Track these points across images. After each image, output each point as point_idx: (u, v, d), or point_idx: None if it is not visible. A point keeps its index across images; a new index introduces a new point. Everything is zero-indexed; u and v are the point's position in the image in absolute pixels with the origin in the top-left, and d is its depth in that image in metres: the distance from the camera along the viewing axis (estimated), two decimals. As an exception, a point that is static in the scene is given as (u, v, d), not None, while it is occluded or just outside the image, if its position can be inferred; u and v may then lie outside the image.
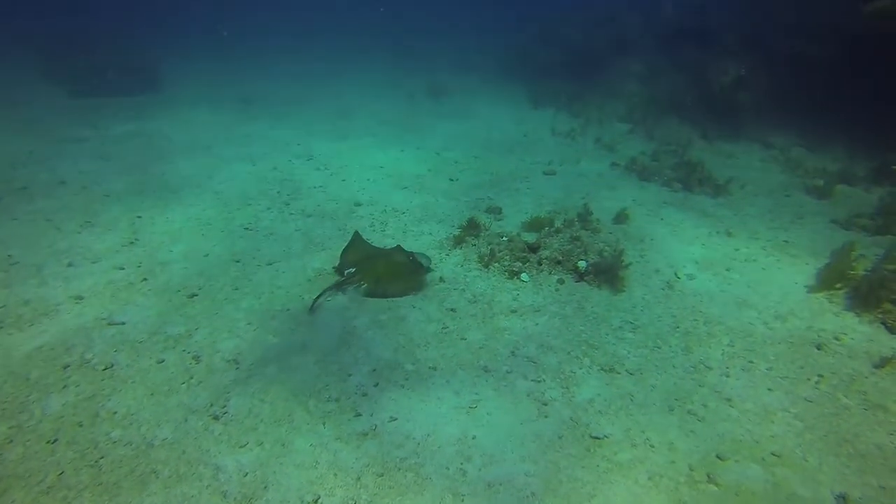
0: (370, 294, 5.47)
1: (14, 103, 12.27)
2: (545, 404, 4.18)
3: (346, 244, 6.16)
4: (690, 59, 13.84)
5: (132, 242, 6.24)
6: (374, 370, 4.45)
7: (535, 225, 6.95)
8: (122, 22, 22.12)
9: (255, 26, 26.12)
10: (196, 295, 5.33)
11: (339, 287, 5.52)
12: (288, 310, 5.23)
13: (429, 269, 5.90)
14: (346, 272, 5.66)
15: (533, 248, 6.23)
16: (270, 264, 6.07)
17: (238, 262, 6.07)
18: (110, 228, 6.51)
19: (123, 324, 4.78)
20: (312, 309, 5.18)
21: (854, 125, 10.49)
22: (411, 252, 5.92)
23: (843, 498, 3.47)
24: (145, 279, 5.52)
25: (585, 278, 5.94)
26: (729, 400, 4.37)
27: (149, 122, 11.44)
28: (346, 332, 4.93)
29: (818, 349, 5.00)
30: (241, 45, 22.74)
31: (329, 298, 5.39)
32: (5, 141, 9.42)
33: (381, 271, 5.57)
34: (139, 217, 6.90)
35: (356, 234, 6.26)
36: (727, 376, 4.65)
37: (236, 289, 5.52)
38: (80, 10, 21.77)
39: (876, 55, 9.83)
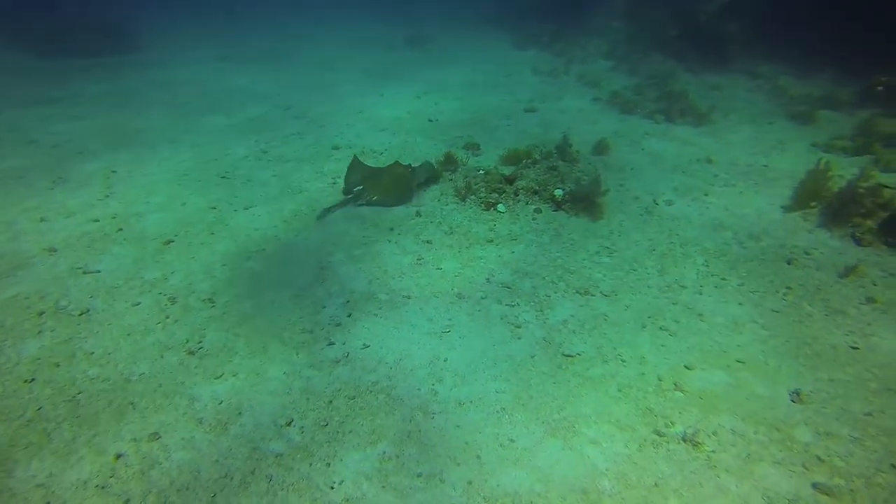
0: (380, 203, 5.87)
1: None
2: (518, 327, 4.19)
3: (339, 171, 6.50)
4: (675, -11, 13.29)
5: (107, 196, 6.13)
6: (348, 301, 4.44)
7: (512, 158, 6.82)
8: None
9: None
10: (172, 241, 5.27)
11: (346, 201, 5.93)
12: (263, 250, 5.19)
13: (432, 173, 6.29)
14: (354, 189, 6.01)
15: (509, 180, 6.13)
16: (247, 209, 5.99)
17: (214, 208, 5.99)
18: (84, 184, 6.38)
19: (99, 272, 4.74)
20: (321, 217, 5.70)
21: (841, 50, 10.17)
22: (409, 164, 6.28)
23: (797, 393, 3.56)
24: (121, 229, 5.44)
25: (563, 207, 5.87)
26: (700, 315, 4.39)
27: (124, 82, 11.08)
28: (321, 268, 4.90)
29: (788, 264, 4.99)
30: (223, 9, 21.80)
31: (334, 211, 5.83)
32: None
33: (387, 184, 5.96)
34: (114, 172, 6.75)
35: (355, 158, 6.46)
36: (700, 294, 4.66)
37: (212, 233, 5.46)
38: None
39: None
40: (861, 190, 5.50)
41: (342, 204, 5.94)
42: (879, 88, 8.35)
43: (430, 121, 8.67)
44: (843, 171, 6.64)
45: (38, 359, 3.78)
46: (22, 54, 13.20)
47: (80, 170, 6.76)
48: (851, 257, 5.03)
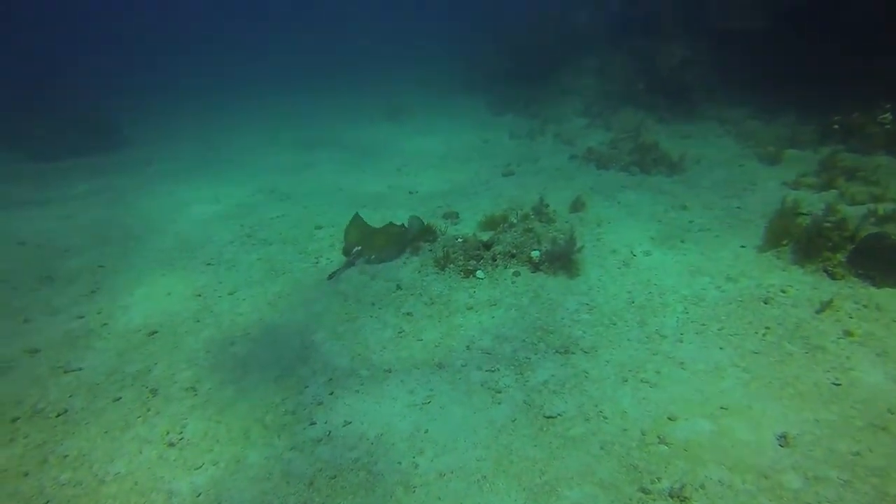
0: (377, 261, 6.52)
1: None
2: (499, 392, 4.27)
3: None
4: (638, 47, 14.16)
5: (93, 291, 6.32)
6: (331, 379, 4.53)
7: (490, 223, 7.08)
8: (85, 79, 22.42)
9: (215, 76, 26.30)
10: (156, 332, 5.41)
11: (349, 263, 6.51)
12: (248, 334, 5.32)
13: (423, 228, 6.82)
14: (353, 251, 6.67)
15: (487, 246, 6.36)
16: (231, 294, 6.17)
17: (199, 295, 6.16)
18: (71, 281, 6.59)
19: (80, 369, 4.85)
20: (331, 278, 6.26)
21: (799, 92, 10.75)
22: (402, 223, 6.97)
23: (784, 437, 3.59)
24: (105, 324, 5.60)
25: (541, 268, 6.05)
26: (681, 363, 4.48)
27: (113, 179, 11.57)
28: (305, 347, 5.02)
29: (765, 303, 5.13)
30: (204, 95, 22.97)
31: (343, 272, 6.38)
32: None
33: (381, 242, 6.66)
34: (101, 266, 6.98)
35: (355, 216, 7.23)
36: (681, 342, 4.76)
37: (197, 321, 5.61)
38: (41, 72, 22.13)
39: (802, 23, 10.15)
40: (827, 224, 5.72)
41: (346, 266, 6.48)
42: (836, 127, 8.79)
43: (410, 193, 9.03)
44: (812, 206, 6.89)
45: (6, 470, 3.79)
46: (19, 158, 13.83)
47: (67, 267, 7.00)
48: (826, 292, 5.17)
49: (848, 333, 4.58)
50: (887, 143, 8.09)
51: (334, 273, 6.35)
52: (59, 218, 8.95)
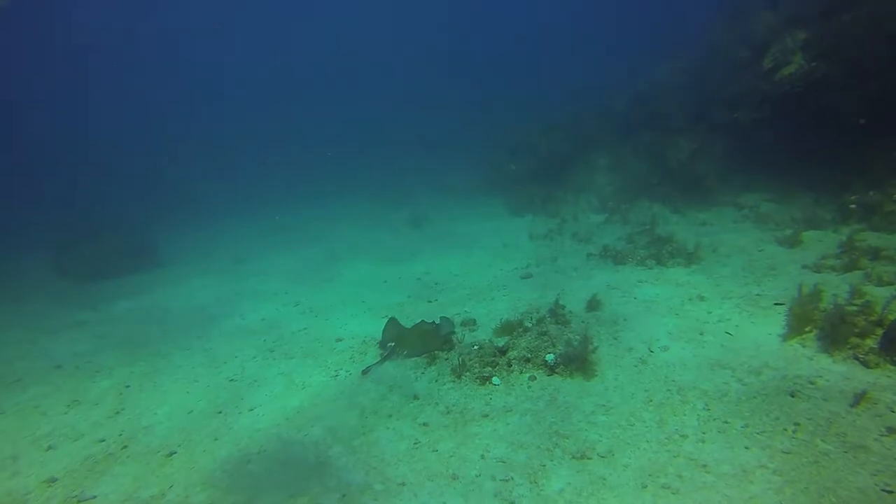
0: (409, 356, 6.96)
1: (18, 298, 13.26)
2: (512, 502, 4.19)
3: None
4: (647, 142, 14.88)
5: (117, 413, 6.58)
6: (345, 496, 4.54)
7: (506, 329, 7.20)
8: (124, 205, 24.43)
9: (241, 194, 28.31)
10: (175, 453, 5.55)
11: (385, 357, 7.04)
12: (265, 450, 5.41)
13: (452, 332, 7.33)
14: (387, 346, 7.36)
15: (502, 351, 6.47)
16: (251, 409, 6.34)
17: (220, 412, 6.35)
18: (97, 403, 6.89)
19: (94, 497, 4.96)
20: (365, 372, 6.77)
21: (812, 172, 11.00)
22: (433, 321, 7.45)
23: (818, 549, 3.38)
24: (125, 447, 5.78)
25: (556, 371, 6.09)
26: (704, 466, 4.35)
27: (146, 297, 12.31)
28: (320, 463, 5.07)
29: (792, 396, 4.99)
30: (231, 210, 24.60)
31: (379, 365, 6.86)
32: (5, 339, 10.13)
33: (414, 339, 7.17)
34: (128, 387, 7.30)
35: (391, 319, 7.80)
36: (703, 442, 4.65)
37: (216, 439, 5.75)
38: (85, 200, 24.57)
39: (799, 110, 10.64)
40: (851, 308, 5.68)
41: (381, 360, 6.98)
42: (853, 206, 8.88)
43: (430, 302, 9.31)
44: (837, 289, 6.84)
45: None
46: (66, 280, 14.98)
47: (95, 389, 7.33)
48: (860, 382, 5.02)
49: (892, 430, 4.37)
50: (908, 222, 8.10)
51: (369, 368, 6.85)
52: (95, 338, 9.50)
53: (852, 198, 9.12)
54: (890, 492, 3.76)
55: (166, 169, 32.00)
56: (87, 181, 30.50)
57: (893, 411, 4.56)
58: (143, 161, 35.15)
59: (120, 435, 6.03)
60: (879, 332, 5.40)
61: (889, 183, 8.72)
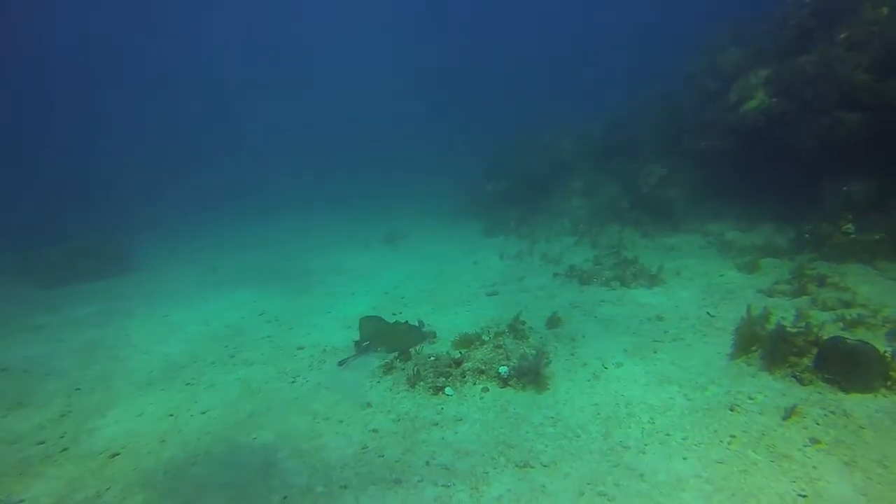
0: (385, 351, 7.45)
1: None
2: (451, 507, 4.25)
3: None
4: (621, 169, 15.28)
5: (63, 415, 6.46)
6: (286, 498, 4.55)
7: (464, 342, 7.28)
8: (98, 208, 24.20)
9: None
10: (118, 454, 5.49)
11: (361, 352, 7.52)
12: (211, 453, 5.39)
13: (423, 328, 7.99)
14: (363, 344, 7.64)
15: (457, 363, 6.55)
16: (204, 413, 6.30)
17: (171, 415, 6.30)
18: (43, 405, 6.76)
19: (21, 501, 4.85)
20: (341, 363, 7.27)
21: (773, 203, 11.41)
22: (406, 322, 8.08)
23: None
24: (65, 449, 5.67)
25: (510, 383, 6.18)
26: (642, 475, 4.46)
27: (112, 303, 12.15)
28: (267, 465, 5.08)
29: (731, 411, 5.16)
30: (212, 222, 24.53)
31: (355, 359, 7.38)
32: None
33: (391, 339, 7.57)
34: (78, 390, 7.20)
35: (369, 316, 8.22)
36: (643, 453, 4.76)
37: (163, 441, 5.70)
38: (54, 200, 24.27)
39: (762, 143, 11.09)
40: (793, 330, 5.90)
41: (357, 354, 7.49)
42: (807, 236, 9.24)
43: (394, 315, 9.35)
44: (785, 312, 7.09)
45: None
46: (28, 285, 14.67)
47: (43, 391, 7.21)
48: (794, 398, 5.22)
49: (815, 441, 4.58)
50: (855, 252, 8.43)
51: (345, 360, 7.33)
52: (51, 341, 9.35)
53: (807, 228, 9.48)
54: (804, 496, 3.94)
55: (158, 182, 31.86)
56: (65, 186, 30.20)
57: (818, 424, 4.77)
58: (130, 168, 35.04)
59: (61, 437, 5.93)
60: (815, 351, 5.62)
61: (840, 215, 9.10)
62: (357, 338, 7.86)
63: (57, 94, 51.81)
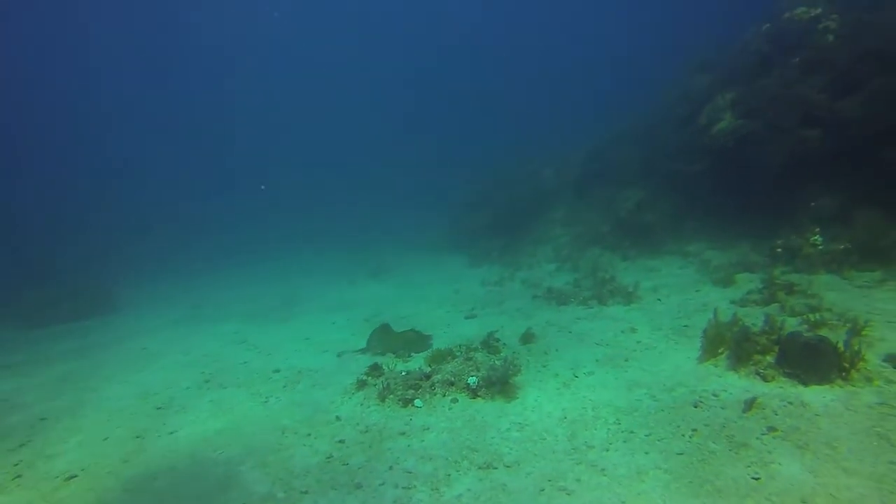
0: (389, 353, 8.26)
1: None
2: (410, 507, 4.24)
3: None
4: (601, 195, 15.61)
5: (21, 445, 6.35)
6: (244, 504, 4.52)
7: (437, 358, 7.30)
8: (85, 250, 24.24)
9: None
10: (75, 476, 5.44)
11: (361, 350, 8.69)
12: (175, 469, 5.36)
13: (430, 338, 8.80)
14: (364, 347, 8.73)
15: (427, 376, 6.59)
16: (172, 433, 6.28)
17: (139, 437, 6.26)
18: (3, 437, 6.68)
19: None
20: (340, 355, 8.61)
21: (749, 220, 11.65)
22: (413, 329, 9.01)
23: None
24: (18, 476, 5.58)
25: (479, 394, 6.21)
26: (603, 470, 4.48)
27: (90, 338, 12.14)
28: (228, 477, 5.07)
29: (695, 407, 5.22)
30: (198, 263, 24.59)
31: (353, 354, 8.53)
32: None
33: (399, 343, 8.44)
34: (43, 420, 7.13)
35: (384, 325, 9.14)
36: (607, 451, 4.79)
37: (126, 461, 5.66)
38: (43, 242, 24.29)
39: (733, 162, 11.44)
40: (755, 329, 6.01)
41: (358, 351, 8.69)
42: (779, 250, 9.44)
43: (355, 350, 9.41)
44: (756, 319, 7.19)
45: None
46: (6, 326, 14.59)
47: (4, 424, 7.13)
48: (757, 393, 5.28)
49: (772, 429, 4.63)
50: (824, 262, 8.61)
51: (344, 352, 8.65)
52: (21, 377, 9.30)
53: (779, 242, 9.69)
54: (757, 478, 3.98)
55: (140, 222, 32.12)
56: (49, 225, 30.35)
57: (777, 414, 4.83)
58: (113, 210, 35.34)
59: (15, 465, 5.81)
60: (778, 349, 5.71)
61: (809, 229, 9.34)
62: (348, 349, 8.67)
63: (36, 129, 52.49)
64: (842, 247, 8.60)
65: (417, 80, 58.77)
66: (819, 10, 10.48)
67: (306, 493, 4.61)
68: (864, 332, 5.86)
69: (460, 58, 57.07)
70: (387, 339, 8.59)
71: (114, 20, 47.46)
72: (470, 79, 55.44)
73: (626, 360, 6.78)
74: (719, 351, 6.24)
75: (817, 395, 5.01)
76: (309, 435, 5.78)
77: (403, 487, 4.53)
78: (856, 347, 5.23)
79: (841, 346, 5.22)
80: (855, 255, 8.43)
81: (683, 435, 4.79)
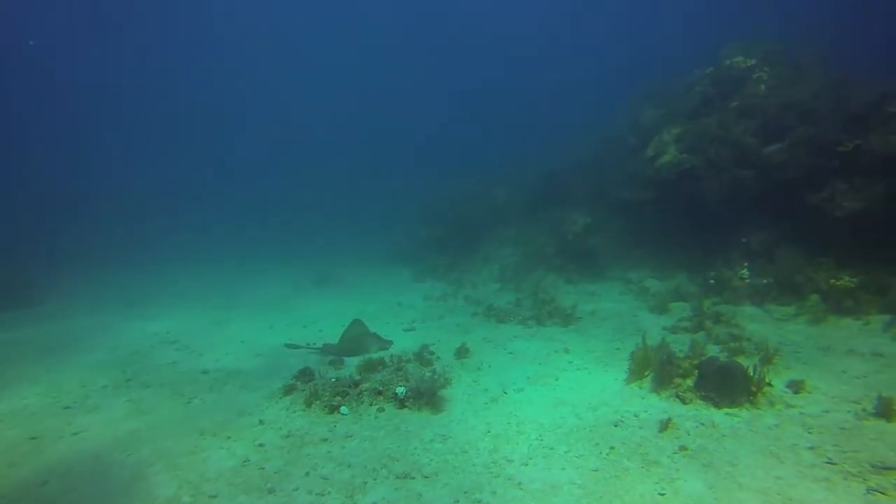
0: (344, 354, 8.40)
1: None
2: (321, 514, 4.16)
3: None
4: (551, 217, 15.96)
5: None
6: (146, 509, 4.32)
7: (369, 367, 7.24)
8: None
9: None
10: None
11: (311, 347, 8.92)
12: (71, 471, 5.11)
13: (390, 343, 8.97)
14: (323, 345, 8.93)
15: (356, 383, 6.52)
16: (76, 434, 5.97)
17: (34, 438, 5.90)
18: None
19: None
20: (288, 346, 8.98)
21: (686, 252, 12.15)
22: (376, 333, 9.19)
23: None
24: None
25: (406, 404, 6.18)
26: (520, 484, 4.53)
27: (13, 333, 11.44)
28: (133, 479, 4.86)
29: (616, 426, 5.35)
30: (138, 257, 23.65)
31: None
32: None
33: (350, 345, 8.66)
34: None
35: (355, 320, 9.32)
36: (526, 465, 4.85)
37: (13, 465, 5.31)
38: None
39: (675, 195, 11.96)
40: (680, 355, 6.25)
41: (306, 346, 8.93)
42: (711, 281, 9.91)
43: (308, 345, 9.25)
44: (683, 346, 7.47)
45: None
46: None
47: None
48: (674, 414, 5.47)
49: (683, 448, 4.81)
50: (749, 295, 9.08)
51: (293, 344, 8.98)
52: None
53: (712, 274, 10.16)
54: (663, 494, 4.12)
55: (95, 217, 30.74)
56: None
57: (689, 434, 5.05)
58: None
59: None
60: (697, 373, 5.97)
61: (738, 263, 9.85)
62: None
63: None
64: (765, 281, 9.09)
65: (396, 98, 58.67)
66: (754, 62, 11.24)
67: (215, 497, 4.45)
68: (773, 361, 6.21)
69: (436, 74, 57.18)
70: (356, 336, 8.84)
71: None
72: (445, 94, 55.70)
73: (556, 380, 6.90)
74: (645, 374, 6.44)
75: (727, 418, 5.26)
76: (228, 438, 5.61)
77: (317, 493, 4.44)
78: (763, 374, 5.54)
79: (751, 371, 5.51)
80: (775, 290, 8.93)
81: (601, 452, 4.91)
